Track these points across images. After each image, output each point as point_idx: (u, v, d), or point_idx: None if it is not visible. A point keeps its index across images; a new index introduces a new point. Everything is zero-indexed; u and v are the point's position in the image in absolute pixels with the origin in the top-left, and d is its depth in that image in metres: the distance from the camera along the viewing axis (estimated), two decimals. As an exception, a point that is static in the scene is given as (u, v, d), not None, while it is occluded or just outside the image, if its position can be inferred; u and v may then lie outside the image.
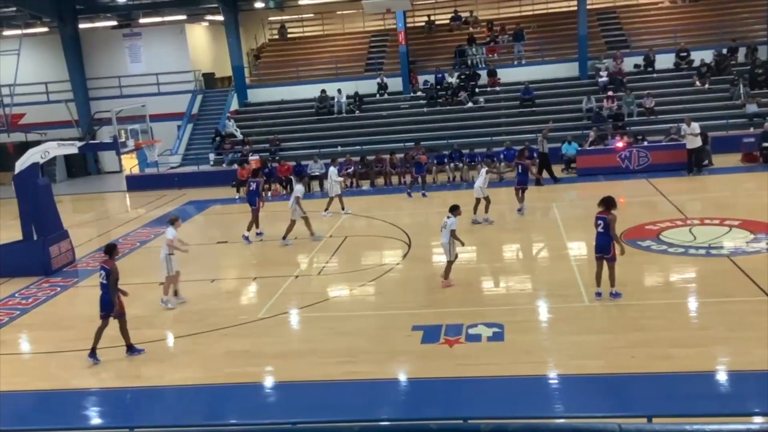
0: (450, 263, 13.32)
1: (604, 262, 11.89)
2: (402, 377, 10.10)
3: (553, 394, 9.25)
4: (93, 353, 11.10)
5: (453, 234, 13.12)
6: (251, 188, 18.74)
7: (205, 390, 10.06)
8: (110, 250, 11.48)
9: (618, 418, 5.46)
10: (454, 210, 13.34)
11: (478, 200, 17.48)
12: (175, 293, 13.60)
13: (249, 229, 18.32)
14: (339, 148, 26.71)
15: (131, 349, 11.30)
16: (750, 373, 9.16)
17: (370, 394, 9.59)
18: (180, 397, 10.05)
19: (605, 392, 9.12)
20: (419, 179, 22.07)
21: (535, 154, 23.22)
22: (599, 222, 11.79)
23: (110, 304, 10.97)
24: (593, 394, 9.09)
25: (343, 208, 20.06)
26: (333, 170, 20.40)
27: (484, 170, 17.60)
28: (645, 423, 5.88)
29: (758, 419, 7.66)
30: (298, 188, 17.69)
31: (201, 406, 9.76)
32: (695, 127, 21.49)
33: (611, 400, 8.92)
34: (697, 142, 21.48)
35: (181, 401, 9.95)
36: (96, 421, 9.69)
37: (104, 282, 11.10)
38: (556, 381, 9.52)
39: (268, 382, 10.29)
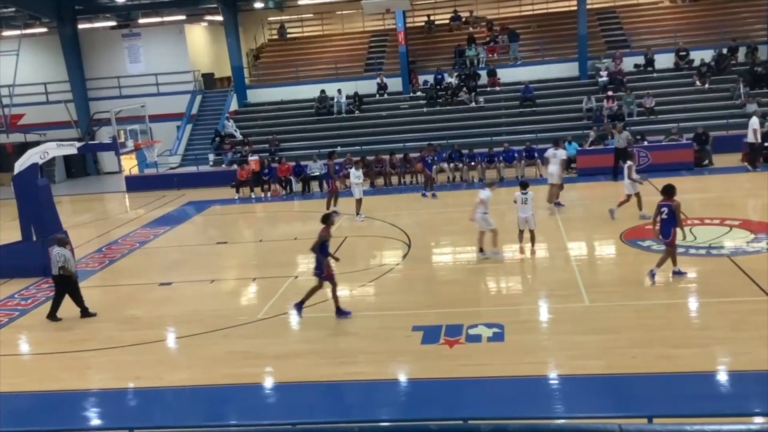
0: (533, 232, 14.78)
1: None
2: (402, 378, 10.08)
3: (554, 394, 9.22)
4: (299, 306, 12.08)
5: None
6: (324, 171, 21.91)
7: (204, 391, 10.03)
8: (326, 219, 12.24)
9: (618, 418, 5.44)
10: (527, 185, 14.78)
11: (628, 196, 16.86)
12: (480, 250, 14.77)
13: (328, 207, 19.85)
14: (339, 149, 26.68)
15: (339, 311, 12.06)
16: (751, 374, 9.13)
17: (370, 395, 9.56)
18: (179, 397, 10.02)
19: (606, 392, 9.09)
20: (430, 179, 21.86)
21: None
22: (663, 209, 12.34)
23: (321, 265, 11.86)
24: (594, 394, 9.06)
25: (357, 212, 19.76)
26: (354, 172, 19.88)
27: (626, 166, 17.09)
28: (645, 423, 5.87)
29: (759, 419, 7.64)
30: (561, 153, 18.32)
31: (201, 407, 9.73)
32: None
33: (612, 400, 8.89)
34: (754, 137, 21.39)
35: (181, 402, 9.92)
36: (95, 422, 9.66)
37: (322, 249, 11.94)
38: (556, 381, 9.50)
39: (268, 382, 10.26)
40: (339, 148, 26.66)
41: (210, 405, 9.76)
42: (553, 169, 18.28)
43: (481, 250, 14.80)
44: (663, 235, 12.48)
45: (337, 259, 12.71)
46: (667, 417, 6.69)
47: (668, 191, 12.45)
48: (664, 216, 12.33)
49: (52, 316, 13.20)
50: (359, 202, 19.53)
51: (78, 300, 13.26)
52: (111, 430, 9.42)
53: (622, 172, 21.40)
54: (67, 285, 13.17)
